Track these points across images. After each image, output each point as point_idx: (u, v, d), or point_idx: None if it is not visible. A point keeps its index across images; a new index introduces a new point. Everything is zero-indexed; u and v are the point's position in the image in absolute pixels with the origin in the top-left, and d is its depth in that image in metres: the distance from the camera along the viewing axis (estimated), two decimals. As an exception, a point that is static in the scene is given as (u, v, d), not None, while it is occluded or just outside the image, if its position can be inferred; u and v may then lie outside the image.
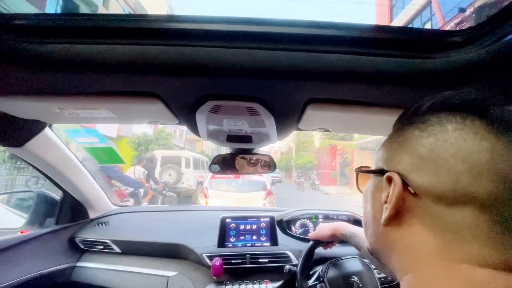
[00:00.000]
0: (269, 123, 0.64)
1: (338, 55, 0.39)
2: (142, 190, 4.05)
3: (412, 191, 0.27)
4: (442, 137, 0.27)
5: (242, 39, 0.38)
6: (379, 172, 0.32)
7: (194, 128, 0.72)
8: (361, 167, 0.42)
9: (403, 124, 0.32)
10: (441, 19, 9.56)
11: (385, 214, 0.29)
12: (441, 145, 0.26)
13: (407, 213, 0.28)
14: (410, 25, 11.36)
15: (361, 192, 0.40)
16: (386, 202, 0.30)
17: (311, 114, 0.57)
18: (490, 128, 0.25)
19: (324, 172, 16.16)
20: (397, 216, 0.28)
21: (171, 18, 0.39)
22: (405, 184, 0.28)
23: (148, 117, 0.67)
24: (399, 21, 11.97)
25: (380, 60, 0.39)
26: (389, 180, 0.29)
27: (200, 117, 0.62)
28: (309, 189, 14.19)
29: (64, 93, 0.53)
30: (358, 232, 0.71)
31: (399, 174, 0.28)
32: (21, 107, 0.60)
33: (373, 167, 0.36)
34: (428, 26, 10.33)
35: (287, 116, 0.61)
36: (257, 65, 0.40)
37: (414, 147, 0.28)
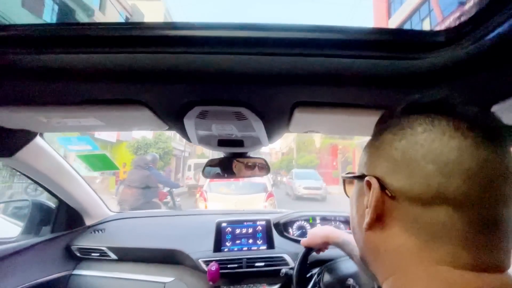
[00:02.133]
0: (258, 127, 0.63)
1: (323, 59, 0.38)
2: (175, 190, 4.97)
3: (390, 194, 0.27)
4: (412, 139, 0.27)
5: (226, 45, 0.38)
6: (361, 177, 0.32)
7: (184, 133, 0.72)
8: (347, 172, 0.42)
9: (381, 128, 0.33)
10: (440, 14, 9.52)
11: (366, 219, 0.29)
12: (412, 147, 0.27)
13: (387, 216, 0.28)
14: (408, 21, 11.31)
15: (347, 196, 0.39)
16: (367, 207, 0.30)
17: (300, 117, 0.57)
18: (456, 127, 0.25)
19: (325, 171, 16.12)
20: (378, 220, 0.29)
21: (154, 26, 0.39)
22: (383, 187, 0.28)
23: (136, 123, 0.67)
24: (397, 17, 11.93)
25: (364, 62, 0.39)
26: (369, 184, 0.29)
27: (189, 123, 0.61)
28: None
29: (50, 102, 0.52)
30: (351, 239, 0.70)
31: (377, 178, 0.29)
32: (7, 117, 0.60)
33: (358, 170, 0.36)
34: (427, 21, 10.29)
35: (275, 119, 0.61)
36: (242, 71, 0.40)
37: (389, 151, 0.29)
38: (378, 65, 0.38)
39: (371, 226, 0.29)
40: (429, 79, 0.39)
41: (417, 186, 0.25)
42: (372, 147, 0.32)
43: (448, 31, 0.36)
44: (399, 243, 0.27)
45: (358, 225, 0.33)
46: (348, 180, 0.40)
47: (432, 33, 0.37)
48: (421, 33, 0.38)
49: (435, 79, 0.39)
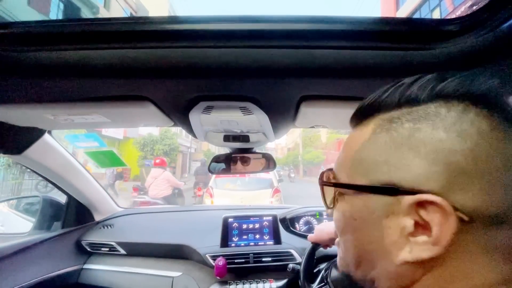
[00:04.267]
0: (264, 121, 0.62)
1: (330, 51, 0.37)
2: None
3: (466, 218, 0.20)
4: (482, 139, 0.21)
5: (230, 38, 0.37)
6: (387, 190, 0.24)
7: (189, 129, 0.71)
8: (324, 174, 0.32)
9: (396, 117, 0.25)
10: (450, 4, 9.21)
11: (422, 253, 0.22)
12: (486, 150, 0.21)
13: (449, 244, 0.21)
14: (417, 11, 11.00)
15: (330, 208, 0.31)
16: (413, 234, 0.22)
17: (306, 111, 0.56)
18: (503, 123, 0.22)
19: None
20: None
21: (158, 20, 0.38)
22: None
23: (142, 120, 0.67)
24: (406, 8, 11.62)
25: (374, 53, 0.37)
26: (419, 204, 0.22)
27: (194, 118, 0.61)
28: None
29: (56, 100, 0.53)
30: None
31: (439, 195, 0.21)
32: (16, 115, 0.61)
33: (355, 178, 0.27)
34: (436, 12, 9.98)
35: (281, 114, 0.60)
36: (247, 65, 0.39)
37: (448, 155, 0.21)
38: (389, 56, 0.37)
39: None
40: (444, 69, 0.37)
41: (499, 203, 0.20)
42: (401, 147, 0.24)
43: (463, 19, 0.34)
44: (469, 273, 0.21)
45: (383, 254, 0.25)
46: (330, 188, 0.30)
47: (446, 22, 0.35)
48: (434, 22, 0.37)
49: (450, 69, 0.37)
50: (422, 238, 0.22)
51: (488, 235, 0.21)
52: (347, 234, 0.29)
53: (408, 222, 0.22)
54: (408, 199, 0.22)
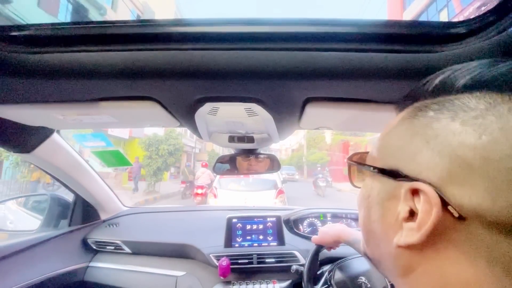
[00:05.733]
0: (269, 123, 0.63)
1: (335, 53, 0.37)
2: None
3: (457, 214, 0.20)
4: (503, 136, 0.19)
5: (237, 41, 0.37)
6: (392, 174, 0.24)
7: (195, 130, 0.72)
8: (355, 155, 0.34)
9: (424, 106, 0.24)
10: (458, 5, 9.08)
11: (407, 238, 0.22)
12: (503, 149, 0.18)
13: (439, 236, 0.21)
14: (424, 13, 10.88)
15: (355, 186, 0.34)
16: (406, 220, 0.23)
17: (311, 113, 0.56)
18: None
19: (336, 168, 15.90)
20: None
21: (165, 23, 0.39)
22: (442, 201, 0.20)
23: (149, 120, 0.68)
24: (412, 9, 11.51)
25: (379, 56, 0.37)
26: (414, 191, 0.22)
27: (200, 119, 0.62)
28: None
29: (66, 100, 0.54)
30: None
31: (432, 186, 0.21)
32: (26, 115, 0.62)
33: (375, 160, 0.27)
34: (444, 13, 9.86)
35: (286, 115, 0.60)
36: (252, 66, 0.39)
37: (456, 148, 0.20)
38: (395, 59, 0.37)
39: (410, 246, 0.22)
40: None
41: (506, 208, 0.18)
42: (416, 136, 0.23)
43: (470, 21, 0.34)
44: (454, 271, 0.21)
45: (381, 234, 0.26)
46: (356, 167, 0.32)
47: (452, 25, 0.35)
48: (441, 24, 0.36)
49: None
50: (411, 224, 0.22)
51: (488, 242, 0.19)
52: (360, 211, 0.30)
53: (404, 208, 0.23)
54: (405, 185, 0.23)
